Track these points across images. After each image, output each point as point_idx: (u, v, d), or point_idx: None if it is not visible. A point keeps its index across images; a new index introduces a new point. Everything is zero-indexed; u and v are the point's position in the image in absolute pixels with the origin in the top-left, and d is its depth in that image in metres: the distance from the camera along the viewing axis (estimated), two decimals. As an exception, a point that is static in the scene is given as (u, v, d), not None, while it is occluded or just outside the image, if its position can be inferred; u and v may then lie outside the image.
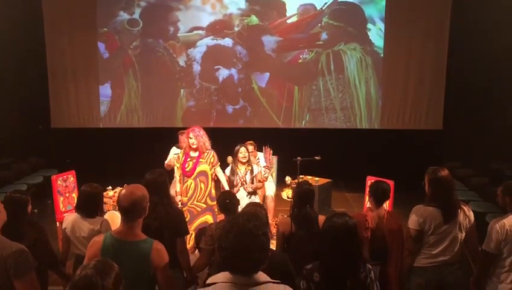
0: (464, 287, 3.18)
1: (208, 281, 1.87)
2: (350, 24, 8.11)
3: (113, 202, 5.25)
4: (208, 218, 4.93)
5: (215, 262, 3.19)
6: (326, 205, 6.67)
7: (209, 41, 8.20)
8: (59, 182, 5.49)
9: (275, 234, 3.79)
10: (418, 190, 4.03)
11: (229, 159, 5.64)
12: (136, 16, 8.22)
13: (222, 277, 1.82)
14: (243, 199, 4.89)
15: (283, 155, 6.54)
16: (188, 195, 4.94)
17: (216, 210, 4.73)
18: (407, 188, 5.82)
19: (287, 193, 6.36)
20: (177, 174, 5.12)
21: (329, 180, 6.79)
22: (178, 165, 5.04)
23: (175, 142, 5.94)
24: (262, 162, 5.77)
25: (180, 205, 4.83)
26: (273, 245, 3.08)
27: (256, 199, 5.32)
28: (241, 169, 5.34)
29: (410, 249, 3.22)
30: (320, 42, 8.17)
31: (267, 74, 8.29)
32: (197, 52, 8.24)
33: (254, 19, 8.14)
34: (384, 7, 8.01)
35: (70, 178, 5.63)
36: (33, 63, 8.00)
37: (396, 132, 8.16)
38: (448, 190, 3.17)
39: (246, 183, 5.29)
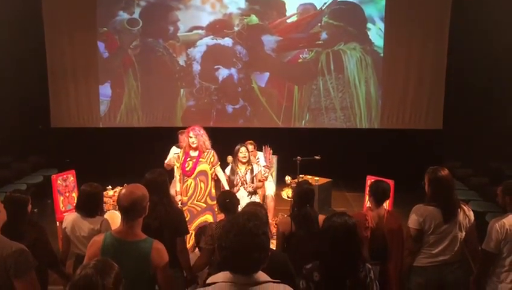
0: (464, 287, 3.18)
1: (208, 280, 1.87)
2: (350, 24, 8.10)
3: (113, 201, 5.25)
4: (208, 217, 4.93)
5: (215, 262, 3.19)
6: (326, 205, 6.67)
7: (209, 40, 8.20)
8: (59, 182, 5.48)
9: (275, 234, 3.79)
10: (418, 189, 4.02)
11: (229, 158, 5.63)
12: (136, 15, 8.21)
13: (222, 276, 1.82)
14: (243, 199, 4.89)
15: (283, 155, 6.54)
16: (188, 194, 4.94)
17: (216, 210, 4.74)
18: (407, 188, 5.81)
19: (287, 193, 6.36)
20: (177, 173, 5.12)
21: (329, 179, 6.79)
22: (178, 164, 5.05)
23: (175, 141, 5.94)
24: (262, 162, 5.77)
25: (180, 205, 4.83)
26: (273, 245, 3.08)
27: (256, 198, 5.32)
28: (241, 169, 5.34)
29: (410, 249, 3.23)
30: (320, 42, 8.16)
31: (267, 74, 8.29)
32: (197, 51, 8.23)
33: (254, 19, 8.14)
34: (384, 7, 8.00)
35: (70, 178, 5.62)
36: (33, 63, 8.00)
37: (396, 132, 8.15)
38: (448, 189, 3.17)
39: (246, 183, 5.29)
